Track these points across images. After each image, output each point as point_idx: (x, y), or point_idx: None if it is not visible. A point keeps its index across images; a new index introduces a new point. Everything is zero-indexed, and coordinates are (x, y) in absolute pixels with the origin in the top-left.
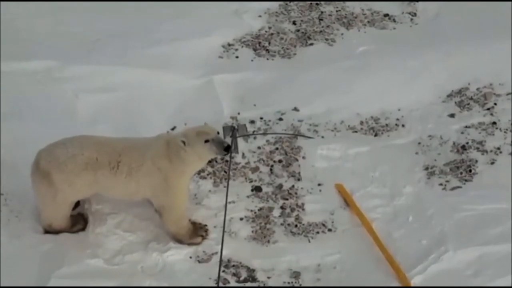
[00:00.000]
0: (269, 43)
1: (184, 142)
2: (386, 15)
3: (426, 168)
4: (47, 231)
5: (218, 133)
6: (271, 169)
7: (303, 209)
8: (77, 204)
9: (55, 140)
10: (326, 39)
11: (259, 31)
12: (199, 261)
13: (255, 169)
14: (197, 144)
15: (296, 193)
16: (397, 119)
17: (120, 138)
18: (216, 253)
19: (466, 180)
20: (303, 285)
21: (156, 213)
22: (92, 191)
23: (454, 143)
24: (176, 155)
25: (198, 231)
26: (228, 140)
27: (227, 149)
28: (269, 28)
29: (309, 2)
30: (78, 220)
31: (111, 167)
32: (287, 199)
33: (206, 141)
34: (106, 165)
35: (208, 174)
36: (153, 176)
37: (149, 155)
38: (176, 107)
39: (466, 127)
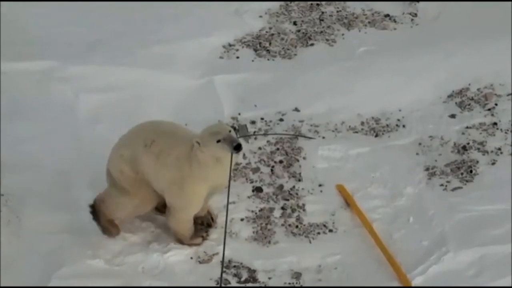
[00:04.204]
0: (270, 44)
1: (198, 143)
2: (386, 15)
3: (427, 169)
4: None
5: (230, 131)
6: (271, 170)
7: (304, 210)
8: None
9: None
10: (327, 40)
11: (260, 31)
12: (199, 262)
13: (255, 170)
14: (211, 145)
15: (297, 194)
16: (398, 120)
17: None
18: (217, 253)
19: (467, 181)
20: (304, 286)
21: (157, 214)
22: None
23: (455, 144)
24: (195, 158)
25: (198, 231)
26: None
27: (237, 147)
28: (270, 28)
29: (309, 3)
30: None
31: (144, 144)
32: (287, 200)
33: (218, 140)
34: (141, 145)
35: None
36: (172, 172)
37: (176, 152)
38: (177, 107)
39: (467, 127)
